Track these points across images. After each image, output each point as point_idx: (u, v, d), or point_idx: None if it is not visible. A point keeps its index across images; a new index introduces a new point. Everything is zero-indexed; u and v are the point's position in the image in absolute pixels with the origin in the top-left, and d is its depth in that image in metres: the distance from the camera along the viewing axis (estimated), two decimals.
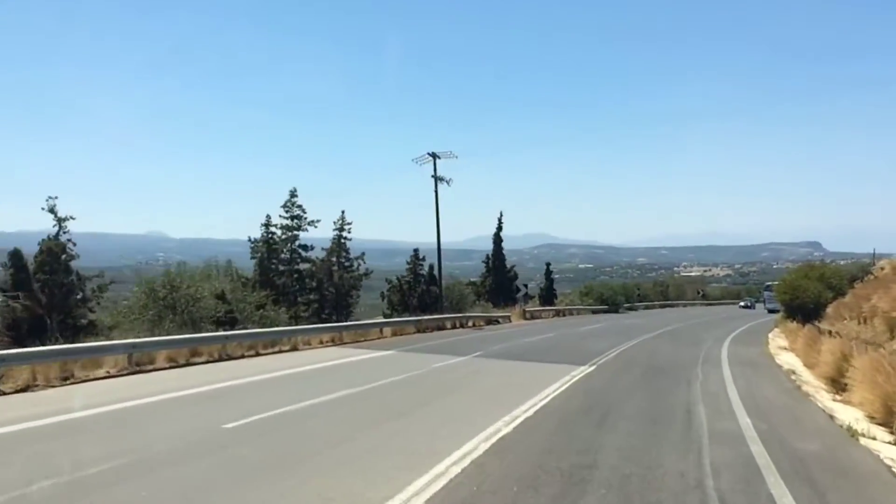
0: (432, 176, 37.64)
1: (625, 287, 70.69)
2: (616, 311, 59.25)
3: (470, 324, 35.70)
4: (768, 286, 58.17)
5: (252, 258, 39.27)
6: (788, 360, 18.67)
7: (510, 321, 40.55)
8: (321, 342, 21.12)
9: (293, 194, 42.02)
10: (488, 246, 56.75)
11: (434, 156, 37.81)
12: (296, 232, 41.24)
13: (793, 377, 14.67)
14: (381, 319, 30.34)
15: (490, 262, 53.08)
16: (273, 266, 40.02)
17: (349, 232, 41.89)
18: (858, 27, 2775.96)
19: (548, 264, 59.88)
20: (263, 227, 40.87)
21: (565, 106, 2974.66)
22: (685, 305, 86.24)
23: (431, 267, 41.18)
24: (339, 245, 41.56)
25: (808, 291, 32.46)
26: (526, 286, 45.66)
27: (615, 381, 13.18)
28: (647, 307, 72.73)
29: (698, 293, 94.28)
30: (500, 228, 53.68)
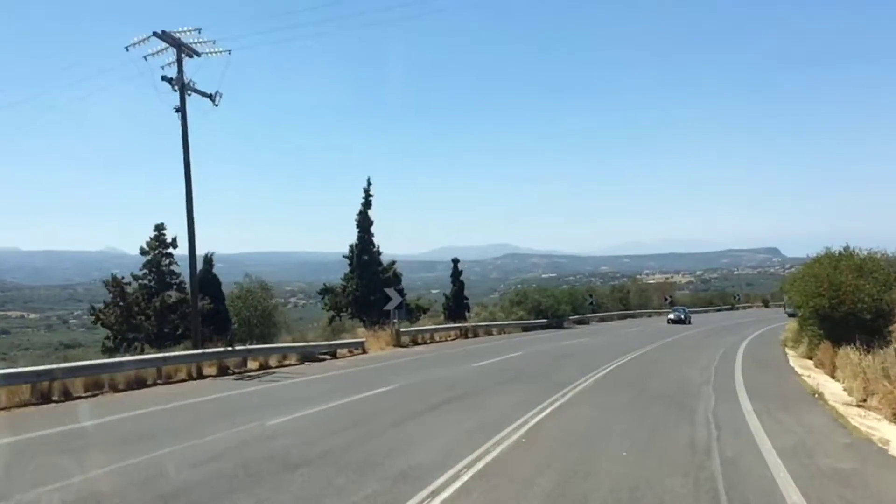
0: (164, 78, 19.34)
1: (572, 293, 54.07)
2: (560, 326, 43.94)
3: (255, 364, 19.25)
4: None
5: None
6: None
7: (363, 351, 24.43)
8: None
9: None
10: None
11: (178, 45, 19.72)
12: None
13: None
14: None
15: (354, 256, 34.83)
16: None
17: None
18: (813, 33, 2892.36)
19: (455, 261, 42.39)
20: None
21: (526, 117, 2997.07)
22: (650, 315, 71.30)
23: (211, 262, 24.05)
24: None
25: (863, 292, 18.36)
26: (401, 291, 28.31)
27: None
28: (602, 319, 57.34)
29: (666, 300, 79.17)
30: (367, 205, 35.63)
